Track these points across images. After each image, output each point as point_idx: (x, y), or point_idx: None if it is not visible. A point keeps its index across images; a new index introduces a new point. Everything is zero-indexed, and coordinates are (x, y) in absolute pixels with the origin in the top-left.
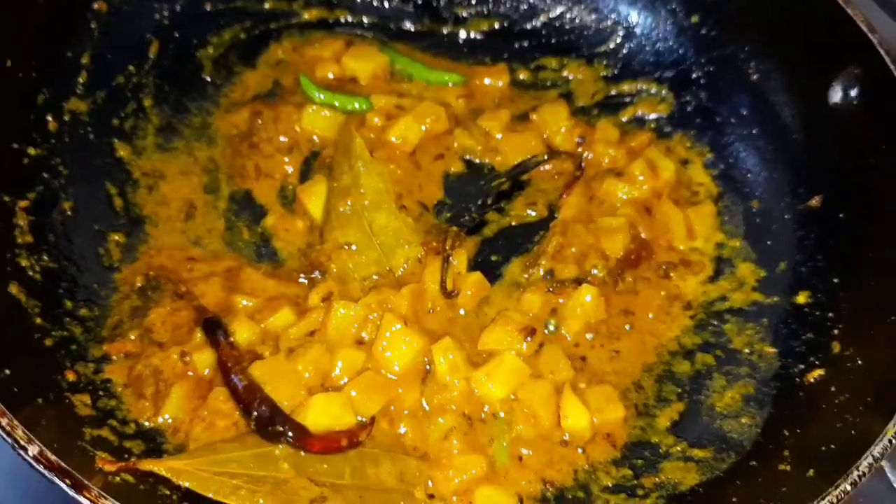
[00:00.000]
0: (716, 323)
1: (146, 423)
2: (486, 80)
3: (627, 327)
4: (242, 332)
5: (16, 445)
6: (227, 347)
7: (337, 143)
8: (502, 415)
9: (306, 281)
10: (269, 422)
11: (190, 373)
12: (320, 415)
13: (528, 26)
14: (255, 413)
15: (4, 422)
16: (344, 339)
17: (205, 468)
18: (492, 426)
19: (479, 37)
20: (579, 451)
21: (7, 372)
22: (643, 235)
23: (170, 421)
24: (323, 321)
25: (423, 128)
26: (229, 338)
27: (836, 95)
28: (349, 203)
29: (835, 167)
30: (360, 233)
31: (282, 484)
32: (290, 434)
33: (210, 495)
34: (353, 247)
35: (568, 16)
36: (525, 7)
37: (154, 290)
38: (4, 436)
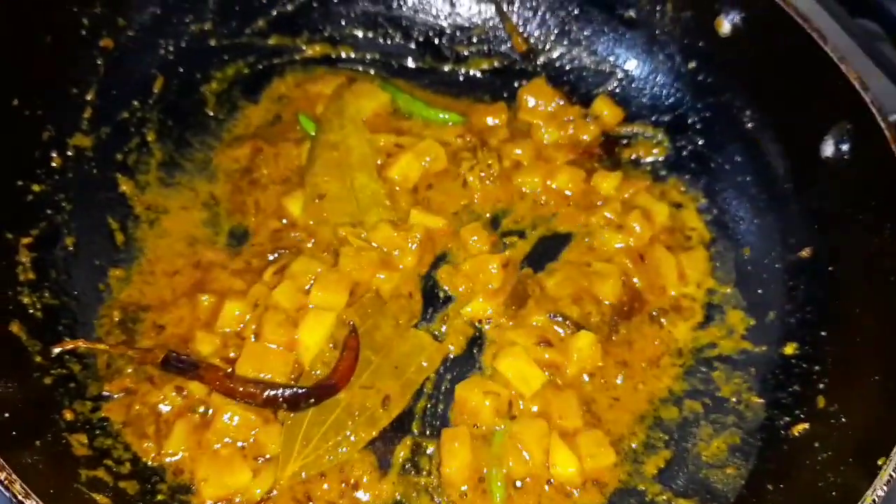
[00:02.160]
0: (704, 370)
1: (150, 463)
2: (486, 119)
3: (620, 379)
4: (205, 347)
5: (13, 500)
6: (209, 371)
7: (329, 101)
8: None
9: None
10: (294, 400)
11: (201, 409)
12: (311, 333)
13: (528, 67)
14: (282, 401)
15: (3, 476)
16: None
17: (308, 454)
18: (489, 453)
19: (479, 75)
20: (567, 496)
21: (6, 415)
22: (636, 284)
23: (175, 459)
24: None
25: (424, 165)
26: (200, 363)
27: (827, 149)
28: (335, 155)
29: (825, 220)
30: (340, 184)
31: (352, 415)
32: (313, 399)
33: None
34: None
35: (567, 57)
36: (525, 47)
37: (134, 321)
38: (3, 490)
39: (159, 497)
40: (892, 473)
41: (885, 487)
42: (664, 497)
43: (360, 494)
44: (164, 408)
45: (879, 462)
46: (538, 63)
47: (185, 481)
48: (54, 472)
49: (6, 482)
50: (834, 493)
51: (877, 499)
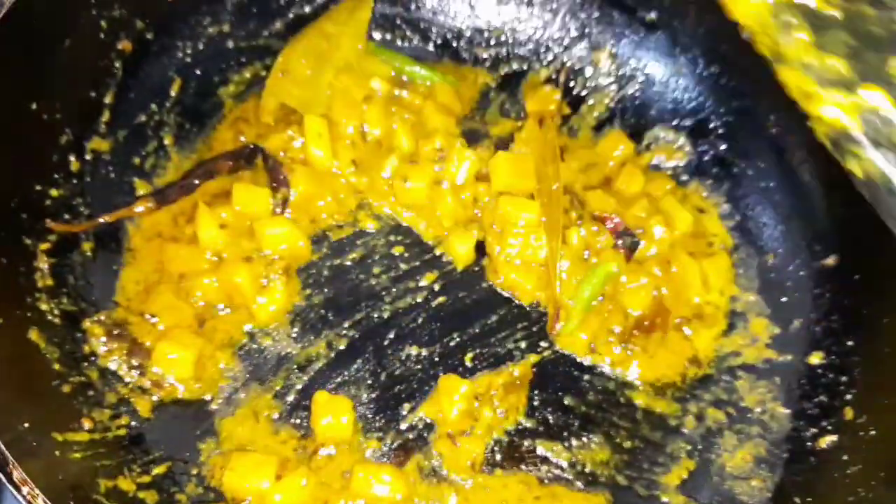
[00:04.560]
0: (728, 379)
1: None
2: None
3: None
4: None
5: None
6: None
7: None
8: None
9: None
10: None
11: None
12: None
13: (547, 70)
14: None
15: (26, 490)
16: None
17: None
18: None
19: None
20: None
21: (26, 425)
22: (664, 296)
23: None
24: None
25: None
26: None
27: None
28: (322, 45)
29: (851, 226)
30: (311, 71)
31: None
32: None
33: None
34: None
35: (587, 60)
36: (543, 50)
37: (122, 326)
38: None
39: None
40: None
41: None
42: None
43: None
44: None
45: None
46: (558, 67)
47: (204, 492)
48: (74, 483)
49: (29, 497)
50: None
51: None
